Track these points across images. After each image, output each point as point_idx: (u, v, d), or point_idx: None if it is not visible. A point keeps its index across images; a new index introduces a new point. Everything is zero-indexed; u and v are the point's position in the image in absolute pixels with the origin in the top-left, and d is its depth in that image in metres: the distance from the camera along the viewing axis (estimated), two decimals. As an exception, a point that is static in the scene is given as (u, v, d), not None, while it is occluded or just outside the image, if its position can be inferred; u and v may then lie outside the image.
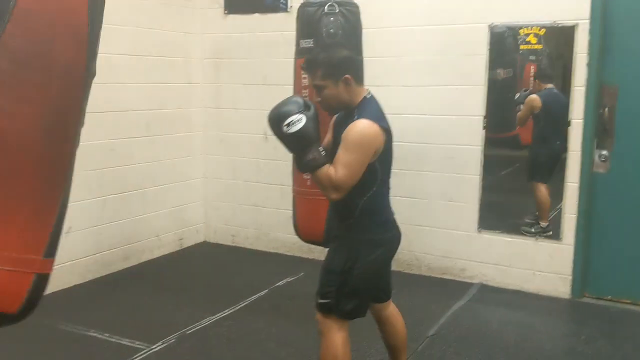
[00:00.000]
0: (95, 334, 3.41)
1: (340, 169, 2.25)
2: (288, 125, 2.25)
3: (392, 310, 2.74)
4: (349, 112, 2.40)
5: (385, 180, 2.47)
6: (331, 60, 2.39)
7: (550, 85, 4.23)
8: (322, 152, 2.30)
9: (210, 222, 5.32)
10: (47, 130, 1.61)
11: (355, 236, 2.44)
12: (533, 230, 4.24)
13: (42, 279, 1.68)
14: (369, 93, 2.47)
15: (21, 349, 3.22)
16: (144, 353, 3.19)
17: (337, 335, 2.42)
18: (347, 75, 2.35)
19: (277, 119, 2.29)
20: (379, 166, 2.38)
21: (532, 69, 4.32)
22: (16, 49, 1.53)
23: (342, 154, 2.27)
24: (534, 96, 4.26)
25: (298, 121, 2.26)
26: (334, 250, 2.51)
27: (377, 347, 3.03)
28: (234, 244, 5.22)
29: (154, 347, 3.26)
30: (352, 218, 2.43)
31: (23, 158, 1.59)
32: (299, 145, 2.29)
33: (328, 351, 2.43)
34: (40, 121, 1.60)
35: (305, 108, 2.31)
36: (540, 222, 4.26)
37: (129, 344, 3.29)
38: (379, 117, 2.37)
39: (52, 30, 1.57)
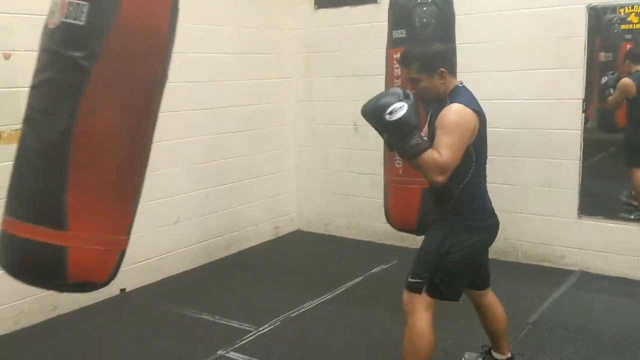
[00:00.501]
0: (207, 317, 3.65)
1: (444, 151, 2.30)
2: (391, 113, 2.32)
3: (491, 297, 2.78)
4: (441, 102, 2.47)
5: (482, 167, 2.51)
6: (426, 55, 2.49)
7: None
8: (425, 137, 2.38)
9: (303, 211, 5.50)
10: (134, 129, 1.87)
11: (454, 221, 2.49)
12: (633, 217, 4.10)
13: (123, 254, 2.02)
14: (461, 82, 2.55)
15: (141, 331, 3.52)
16: (253, 335, 3.39)
17: (424, 315, 2.46)
18: (442, 69, 2.45)
19: (378, 109, 2.36)
20: (473, 151, 2.42)
21: (627, 48, 4.16)
22: (115, 62, 1.80)
23: (442, 137, 2.33)
24: (627, 80, 4.08)
25: (400, 108, 2.32)
26: (431, 232, 2.58)
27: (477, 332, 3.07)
28: (326, 233, 5.37)
29: (261, 329, 3.45)
30: (450, 203, 2.49)
31: (116, 154, 1.86)
32: (403, 132, 2.33)
33: (414, 330, 2.46)
34: (129, 121, 1.86)
35: (405, 97, 2.37)
36: (640, 209, 4.12)
37: (239, 326, 3.50)
38: (470, 102, 2.43)
39: (141, 45, 1.83)
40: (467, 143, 2.36)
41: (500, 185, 4.28)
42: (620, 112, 4.31)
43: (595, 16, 3.98)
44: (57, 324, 3.61)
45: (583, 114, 4.08)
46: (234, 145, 4.83)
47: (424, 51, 2.51)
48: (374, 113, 2.38)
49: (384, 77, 3.76)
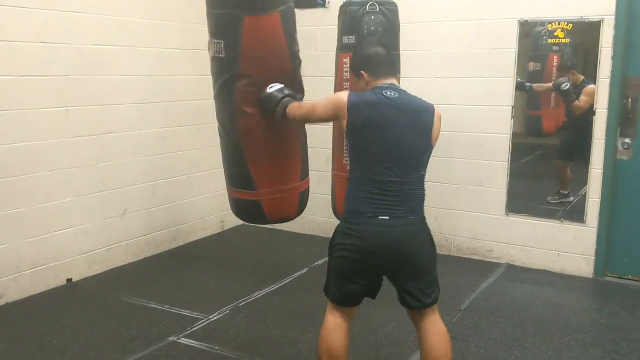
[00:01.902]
0: (156, 306, 3.74)
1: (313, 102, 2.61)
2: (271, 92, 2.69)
3: (429, 326, 2.48)
4: None
5: (362, 167, 2.43)
6: (354, 57, 2.80)
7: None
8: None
9: (248, 205, 5.62)
10: (271, 117, 2.69)
11: (339, 221, 2.59)
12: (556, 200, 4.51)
13: (304, 193, 2.96)
14: (386, 85, 2.51)
15: (91, 318, 3.58)
16: (204, 322, 3.52)
17: (327, 317, 2.54)
18: (362, 72, 2.59)
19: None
20: (349, 142, 2.49)
21: (556, 60, 4.54)
22: (247, 76, 2.63)
23: None
24: (594, 87, 4.28)
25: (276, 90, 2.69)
26: None
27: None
28: (272, 227, 5.51)
29: (211, 316, 3.59)
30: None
31: (267, 134, 2.71)
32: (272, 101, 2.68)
33: (321, 333, 2.54)
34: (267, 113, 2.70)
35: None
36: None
37: (189, 314, 3.62)
38: (362, 99, 2.43)
39: (266, 57, 2.64)
40: (326, 116, 2.53)
41: (436, 183, 4.58)
42: (547, 120, 4.69)
43: (525, 29, 4.34)
44: (5, 312, 3.61)
45: (512, 119, 4.44)
46: (181, 138, 4.91)
47: (354, 53, 2.84)
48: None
49: (332, 79, 3.96)
